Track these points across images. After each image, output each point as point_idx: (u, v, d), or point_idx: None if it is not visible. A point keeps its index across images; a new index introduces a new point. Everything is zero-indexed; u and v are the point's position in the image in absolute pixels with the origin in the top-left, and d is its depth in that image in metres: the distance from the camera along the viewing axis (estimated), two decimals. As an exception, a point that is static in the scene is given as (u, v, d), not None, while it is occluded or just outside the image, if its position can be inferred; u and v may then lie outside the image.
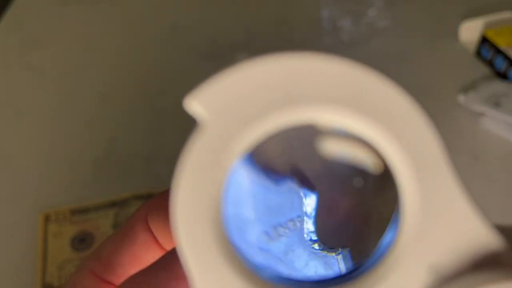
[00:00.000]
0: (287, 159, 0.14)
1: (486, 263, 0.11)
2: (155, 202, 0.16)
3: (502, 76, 0.43)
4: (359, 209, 0.14)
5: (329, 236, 0.14)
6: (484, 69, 0.45)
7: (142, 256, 0.15)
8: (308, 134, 0.13)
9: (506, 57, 0.43)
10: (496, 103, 0.40)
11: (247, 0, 0.54)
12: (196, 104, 0.11)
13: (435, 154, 0.11)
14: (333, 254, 0.14)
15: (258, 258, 0.13)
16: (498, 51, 0.43)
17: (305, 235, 0.14)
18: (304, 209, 0.14)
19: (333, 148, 0.13)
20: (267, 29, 0.51)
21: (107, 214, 0.35)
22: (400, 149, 0.11)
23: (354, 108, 0.11)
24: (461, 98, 0.42)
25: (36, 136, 0.42)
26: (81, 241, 0.34)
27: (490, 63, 0.45)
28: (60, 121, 0.43)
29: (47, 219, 0.35)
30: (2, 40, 0.51)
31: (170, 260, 0.13)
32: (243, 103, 0.11)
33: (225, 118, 0.11)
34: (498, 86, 0.42)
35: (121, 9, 0.54)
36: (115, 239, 0.16)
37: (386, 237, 0.12)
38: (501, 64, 0.43)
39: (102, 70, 0.47)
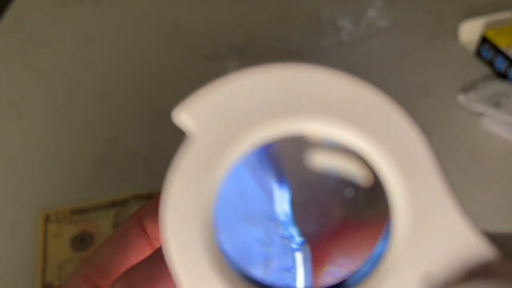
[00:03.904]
0: (276, 169, 0.14)
1: (478, 272, 0.11)
2: (151, 205, 0.16)
3: (502, 76, 0.43)
4: (349, 220, 0.14)
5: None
6: (484, 69, 0.45)
7: (135, 261, 0.15)
8: (298, 146, 0.13)
9: (506, 57, 0.43)
10: (496, 103, 0.40)
11: (247, 0, 0.54)
12: (184, 116, 0.11)
13: (426, 164, 0.11)
14: (293, 245, 0.14)
15: (250, 267, 0.13)
16: (498, 51, 0.43)
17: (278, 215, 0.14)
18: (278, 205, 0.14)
19: (323, 161, 0.13)
20: (267, 29, 0.51)
21: (107, 214, 0.35)
22: (390, 160, 0.11)
23: (344, 119, 0.11)
24: (461, 98, 0.42)
25: (36, 136, 0.42)
26: (81, 241, 0.34)
27: (490, 63, 0.45)
28: (60, 121, 0.43)
29: (47, 219, 0.35)
30: (2, 40, 0.51)
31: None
32: (232, 115, 0.11)
33: (215, 130, 0.11)
34: (498, 86, 0.42)
35: (121, 9, 0.54)
36: (110, 244, 0.16)
37: (378, 248, 0.12)
38: (501, 64, 0.43)
39: (102, 70, 0.47)
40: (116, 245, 0.16)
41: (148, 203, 0.16)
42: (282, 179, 0.14)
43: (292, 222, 0.14)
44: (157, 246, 0.16)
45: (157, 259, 0.14)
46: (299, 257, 0.14)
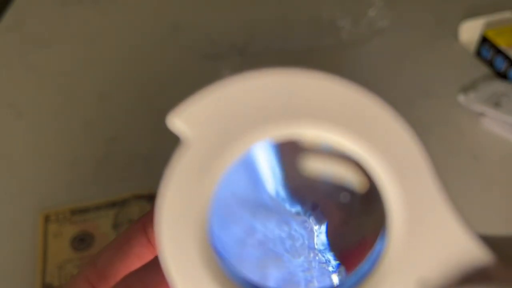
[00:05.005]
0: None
1: (474, 277, 0.11)
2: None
3: (502, 76, 0.43)
4: (346, 224, 0.14)
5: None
6: (484, 69, 0.45)
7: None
8: (293, 151, 0.13)
9: (506, 57, 0.43)
10: (496, 103, 0.40)
11: (247, 0, 0.54)
12: (179, 121, 0.11)
13: (421, 170, 0.11)
14: (330, 268, 0.14)
15: (250, 273, 0.13)
16: (498, 51, 0.43)
17: (316, 245, 0.14)
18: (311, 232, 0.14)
19: (318, 166, 0.13)
20: (267, 29, 0.51)
21: (107, 214, 0.35)
22: (385, 165, 0.11)
23: (339, 124, 0.11)
24: (461, 98, 0.42)
25: (36, 136, 0.42)
26: (81, 241, 0.34)
27: (490, 63, 0.45)
28: (60, 121, 0.43)
29: (47, 219, 0.35)
30: (2, 40, 0.51)
31: None
32: (227, 120, 0.11)
33: (209, 136, 0.11)
34: (498, 86, 0.42)
35: (121, 9, 0.54)
36: (112, 248, 0.16)
37: (374, 252, 0.12)
38: (501, 64, 0.43)
39: (102, 70, 0.47)
40: (119, 251, 0.16)
41: (152, 210, 0.16)
42: (318, 212, 0.14)
43: (328, 249, 0.14)
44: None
45: (156, 266, 0.14)
46: (336, 278, 0.14)
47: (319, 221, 0.14)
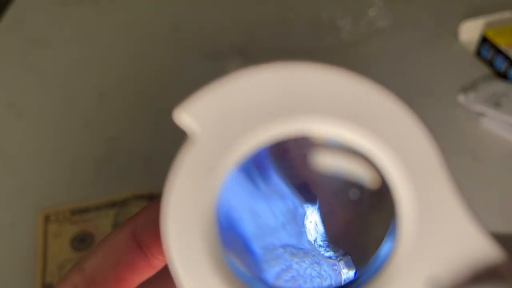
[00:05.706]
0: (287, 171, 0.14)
1: (485, 275, 0.11)
2: (146, 218, 0.15)
3: (502, 76, 0.43)
4: (356, 220, 0.14)
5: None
6: (484, 69, 0.45)
7: (128, 277, 0.15)
8: (303, 147, 0.13)
9: (506, 57, 0.43)
10: (496, 103, 0.40)
11: (247, 0, 0.54)
12: (186, 116, 0.11)
13: (433, 166, 0.11)
14: (334, 261, 0.14)
15: (259, 273, 0.13)
16: (498, 51, 0.43)
17: (311, 239, 0.14)
18: (309, 220, 0.14)
19: (329, 162, 0.13)
20: (267, 29, 0.51)
21: (107, 214, 0.35)
22: (397, 161, 0.11)
23: (350, 119, 0.11)
24: (461, 98, 0.42)
25: (36, 136, 0.42)
26: (81, 241, 0.34)
27: (490, 63, 0.45)
28: (60, 121, 0.43)
29: (47, 219, 0.35)
30: (2, 40, 0.51)
31: None
32: (235, 115, 0.11)
33: (217, 131, 0.11)
34: (498, 86, 0.42)
35: (121, 9, 0.54)
36: (101, 254, 0.15)
37: (384, 249, 0.12)
38: (501, 64, 0.43)
39: (102, 70, 0.47)
40: (108, 257, 0.15)
41: (141, 214, 0.15)
42: (348, 260, 0.14)
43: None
44: (154, 262, 0.15)
45: (168, 275, 0.13)
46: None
47: (347, 267, 0.14)
